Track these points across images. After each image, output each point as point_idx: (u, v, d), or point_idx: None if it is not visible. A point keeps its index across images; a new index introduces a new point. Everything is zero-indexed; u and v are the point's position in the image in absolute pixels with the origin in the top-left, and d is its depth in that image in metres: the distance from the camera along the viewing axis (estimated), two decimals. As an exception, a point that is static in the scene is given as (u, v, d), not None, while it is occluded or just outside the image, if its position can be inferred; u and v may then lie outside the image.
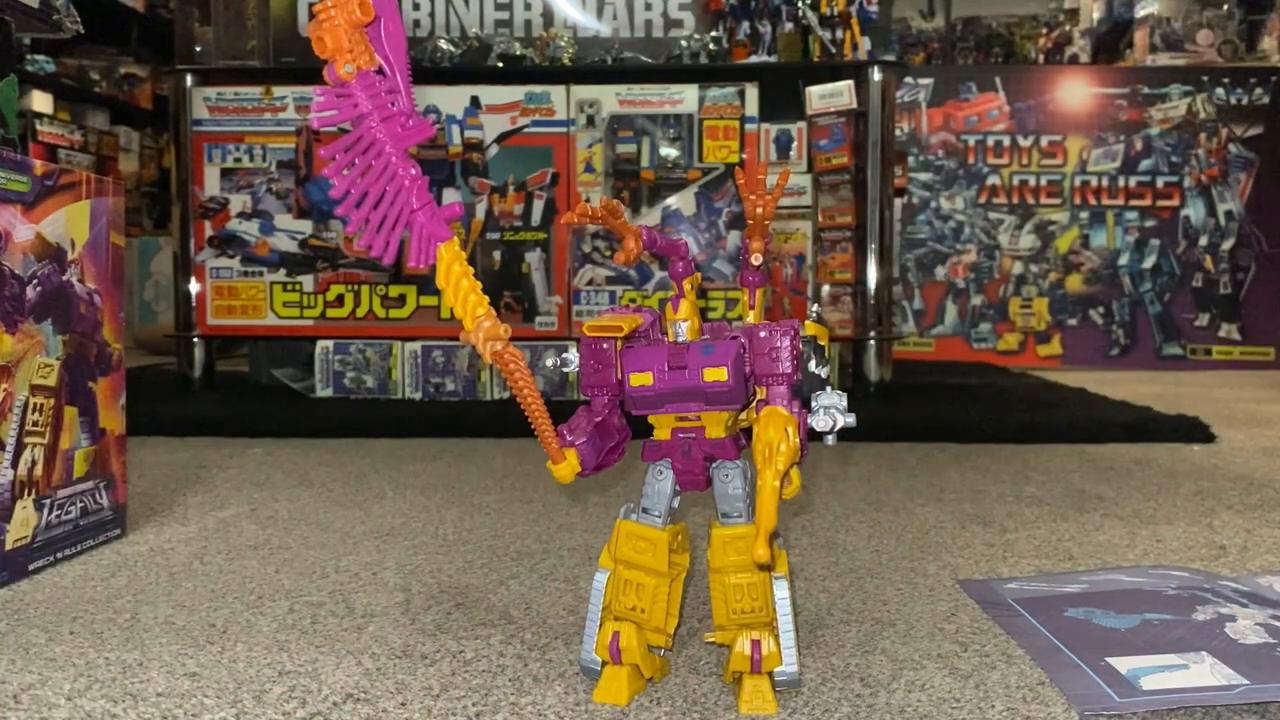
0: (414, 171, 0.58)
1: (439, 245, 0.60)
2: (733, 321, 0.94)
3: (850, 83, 2.57)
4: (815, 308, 2.58)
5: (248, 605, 1.01)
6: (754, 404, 0.74)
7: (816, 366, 0.74)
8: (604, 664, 0.77)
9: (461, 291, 0.62)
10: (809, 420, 0.72)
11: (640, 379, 0.73)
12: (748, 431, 0.74)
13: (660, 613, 0.78)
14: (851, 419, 0.72)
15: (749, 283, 0.92)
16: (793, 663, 0.74)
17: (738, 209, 2.54)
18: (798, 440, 0.68)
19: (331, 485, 1.59)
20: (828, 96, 2.58)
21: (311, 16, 0.55)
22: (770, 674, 0.75)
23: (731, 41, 2.77)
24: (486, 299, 0.63)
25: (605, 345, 0.75)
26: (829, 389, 0.74)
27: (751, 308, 0.92)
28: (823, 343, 0.77)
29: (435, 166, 2.55)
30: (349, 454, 1.87)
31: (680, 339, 0.77)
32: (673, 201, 2.57)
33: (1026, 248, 4.03)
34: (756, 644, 0.74)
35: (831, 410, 0.72)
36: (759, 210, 0.88)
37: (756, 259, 0.89)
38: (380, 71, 0.56)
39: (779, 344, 0.72)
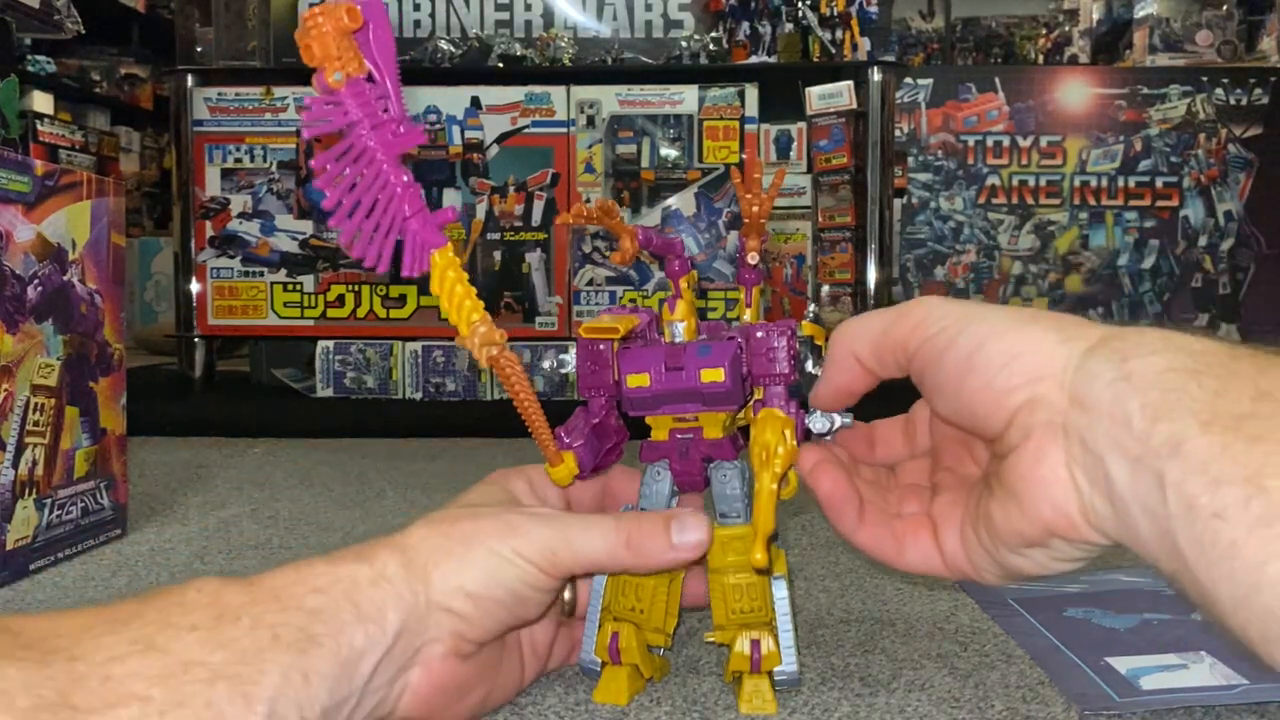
0: (406, 179, 0.58)
1: (433, 252, 0.60)
2: (731, 321, 0.94)
3: (850, 83, 2.57)
4: (813, 308, 2.59)
5: (247, 605, 1.01)
6: (752, 403, 0.74)
7: (814, 367, 0.74)
8: (603, 664, 0.77)
9: (456, 298, 0.61)
10: (806, 421, 0.72)
11: (637, 380, 0.73)
12: (745, 430, 0.74)
13: (660, 612, 0.78)
14: (850, 420, 0.72)
15: (746, 281, 0.92)
16: (792, 662, 0.74)
17: (737, 209, 2.54)
18: (795, 442, 0.68)
19: (332, 485, 1.59)
20: (827, 97, 2.59)
21: (307, 21, 0.55)
22: (770, 673, 0.75)
23: (731, 42, 2.78)
24: (481, 304, 0.62)
25: (602, 346, 0.75)
26: (827, 389, 0.73)
27: (748, 306, 0.92)
28: (819, 343, 0.77)
29: (435, 167, 2.56)
30: (349, 454, 1.87)
31: (677, 339, 0.77)
32: (673, 202, 2.57)
33: (1026, 248, 4.03)
34: (756, 643, 0.74)
35: (829, 411, 0.72)
36: (754, 209, 0.88)
37: (753, 258, 0.89)
38: (370, 78, 0.56)
39: (776, 344, 0.72)
